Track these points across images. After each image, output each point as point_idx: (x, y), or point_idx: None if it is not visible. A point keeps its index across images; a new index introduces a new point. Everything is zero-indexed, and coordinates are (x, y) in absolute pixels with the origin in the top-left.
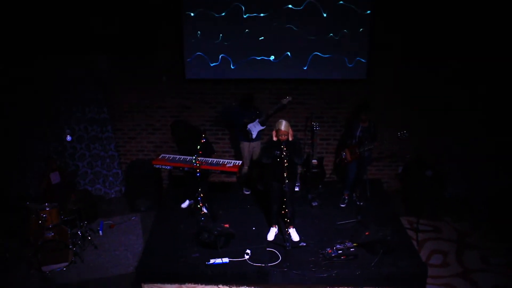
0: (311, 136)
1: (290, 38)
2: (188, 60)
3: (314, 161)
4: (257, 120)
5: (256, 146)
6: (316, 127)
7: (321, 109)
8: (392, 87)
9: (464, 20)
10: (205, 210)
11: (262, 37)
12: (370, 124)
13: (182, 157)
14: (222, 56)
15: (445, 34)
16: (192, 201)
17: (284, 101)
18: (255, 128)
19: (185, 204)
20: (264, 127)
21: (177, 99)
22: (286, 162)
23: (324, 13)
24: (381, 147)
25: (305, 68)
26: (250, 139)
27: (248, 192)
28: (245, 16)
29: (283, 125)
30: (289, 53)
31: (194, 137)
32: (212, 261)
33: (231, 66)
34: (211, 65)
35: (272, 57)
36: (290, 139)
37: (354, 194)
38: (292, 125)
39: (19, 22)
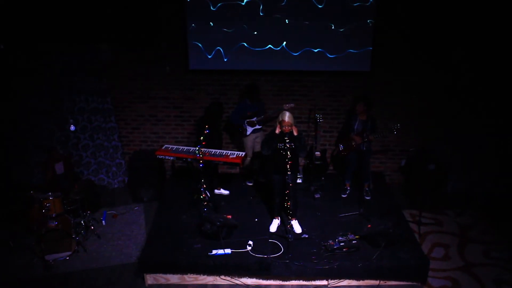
0: (314, 128)
1: (294, 30)
2: (191, 51)
3: (317, 153)
4: (255, 118)
5: (259, 137)
6: (319, 119)
7: (324, 101)
8: (395, 79)
9: (469, 11)
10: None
11: (265, 28)
12: (368, 117)
13: (185, 147)
14: (225, 48)
15: (451, 26)
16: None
17: (286, 106)
18: (251, 127)
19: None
20: (261, 127)
21: (180, 90)
22: (289, 154)
23: (329, 5)
24: (381, 139)
25: (309, 60)
26: (244, 135)
27: (250, 183)
28: (246, 6)
29: (287, 116)
30: (292, 45)
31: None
32: (214, 252)
33: (235, 57)
34: (209, 56)
35: (275, 48)
36: (295, 133)
37: (366, 188)
38: (295, 117)
39: (21, 10)
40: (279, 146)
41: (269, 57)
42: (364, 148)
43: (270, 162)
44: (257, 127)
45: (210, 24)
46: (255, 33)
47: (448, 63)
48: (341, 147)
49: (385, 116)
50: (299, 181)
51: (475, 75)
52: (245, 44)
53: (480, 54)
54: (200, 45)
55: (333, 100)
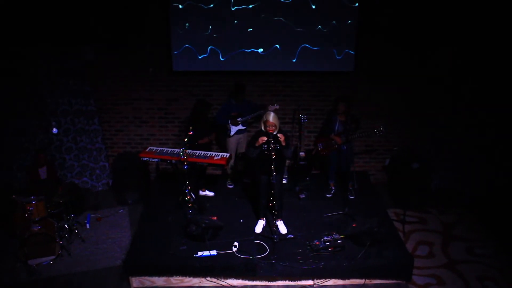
0: (298, 128)
1: (279, 30)
2: (175, 52)
3: (302, 153)
4: (239, 118)
5: (242, 138)
6: (303, 119)
7: (309, 101)
8: (379, 79)
9: (455, 7)
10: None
11: (251, 29)
12: (348, 118)
13: (170, 149)
14: (210, 49)
15: (435, 25)
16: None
17: (271, 108)
18: (235, 126)
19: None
20: (245, 127)
21: (164, 91)
22: (274, 155)
23: (313, 5)
24: (365, 139)
25: (294, 60)
26: (228, 135)
27: (231, 186)
28: (233, 9)
29: (271, 117)
30: (277, 46)
31: (206, 126)
32: (200, 253)
33: (220, 58)
34: (199, 57)
35: (260, 50)
36: (283, 143)
37: (350, 188)
38: (279, 117)
39: (3, 11)
40: (264, 147)
41: (255, 58)
42: (345, 148)
43: (255, 162)
44: (241, 127)
45: (196, 26)
46: (241, 34)
47: (433, 61)
48: (320, 146)
49: (369, 116)
50: (284, 181)
51: (461, 74)
52: (231, 45)
53: (466, 52)
54: (184, 46)
55: (317, 100)
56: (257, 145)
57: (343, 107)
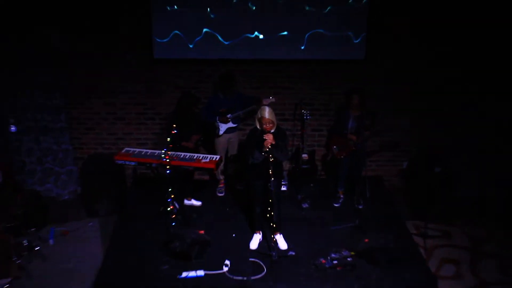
0: (300, 126)
1: (277, 13)
2: (158, 39)
3: (305, 155)
4: (229, 115)
5: (233, 138)
6: (306, 116)
7: (312, 94)
8: (394, 70)
9: None
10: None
11: (244, 13)
12: (363, 112)
13: (149, 151)
14: (199, 35)
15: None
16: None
17: (266, 101)
18: (224, 124)
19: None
20: (236, 125)
21: (144, 83)
22: (272, 157)
23: None
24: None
25: (293, 47)
26: (216, 135)
27: (222, 194)
28: None
29: (267, 112)
30: (274, 30)
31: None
32: (184, 274)
33: (211, 44)
34: (188, 44)
35: (257, 35)
36: (270, 141)
37: (355, 197)
38: (277, 113)
39: None
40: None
41: (248, 44)
42: (357, 149)
43: (250, 166)
44: (232, 125)
45: (179, 8)
46: (231, 17)
47: (457, 49)
48: (335, 149)
49: (383, 113)
50: (283, 188)
51: (488, 70)
52: (220, 29)
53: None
54: (168, 30)
55: (322, 93)
56: (265, 147)
57: (357, 100)
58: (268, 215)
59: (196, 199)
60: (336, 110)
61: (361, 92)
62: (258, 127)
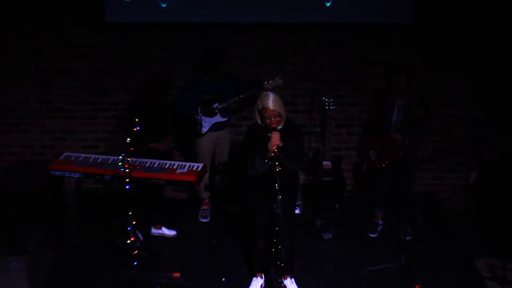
0: (320, 121)
1: None
2: None
3: (327, 162)
4: (217, 104)
5: (223, 138)
6: (329, 106)
7: (337, 75)
8: (458, 37)
9: None
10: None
11: None
12: (413, 99)
13: (101, 157)
14: None
15: None
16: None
17: (269, 84)
18: (209, 118)
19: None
20: (226, 119)
21: (91, 58)
22: (279, 166)
23: None
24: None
25: (309, 7)
26: (198, 133)
27: (206, 219)
28: None
29: (271, 101)
30: None
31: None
32: None
33: (189, 3)
34: (162, 4)
35: None
36: (276, 142)
37: (400, 224)
38: (287, 102)
39: None
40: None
41: (245, 3)
42: (405, 153)
43: (248, 179)
44: (220, 119)
45: None
46: None
47: None
48: (372, 154)
49: (441, 100)
50: (297, 211)
51: None
52: None
53: None
54: None
55: (352, 72)
56: (270, 151)
57: (404, 82)
58: (274, 250)
59: (169, 227)
60: (373, 98)
61: (409, 70)
62: (259, 122)
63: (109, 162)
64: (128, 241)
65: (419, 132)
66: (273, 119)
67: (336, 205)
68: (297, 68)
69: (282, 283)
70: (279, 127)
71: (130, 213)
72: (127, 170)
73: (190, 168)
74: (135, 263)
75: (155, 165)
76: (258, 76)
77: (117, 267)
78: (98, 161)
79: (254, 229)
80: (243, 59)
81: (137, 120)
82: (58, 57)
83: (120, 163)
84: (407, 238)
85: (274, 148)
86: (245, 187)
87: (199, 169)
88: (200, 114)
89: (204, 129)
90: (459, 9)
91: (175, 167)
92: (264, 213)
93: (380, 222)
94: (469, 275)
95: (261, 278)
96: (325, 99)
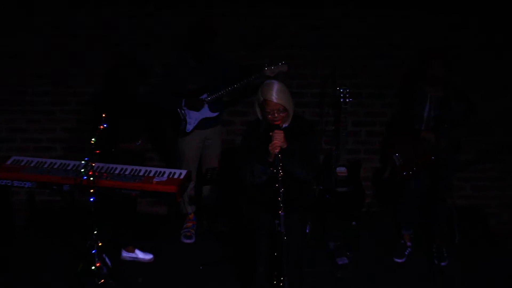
0: (334, 116)
1: None
2: None
3: (342, 169)
4: (206, 95)
5: (212, 139)
6: (344, 98)
7: (356, 59)
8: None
9: None
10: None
11: None
12: (449, 90)
13: (58, 161)
14: None
15: None
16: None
17: (270, 70)
18: (194, 113)
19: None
20: (216, 114)
21: (45, 37)
22: (281, 173)
23: None
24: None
25: None
26: (181, 132)
27: (190, 240)
28: None
29: (275, 92)
30: None
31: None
32: None
33: None
34: None
35: None
36: (278, 143)
37: (434, 246)
38: (292, 93)
39: None
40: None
41: None
42: (440, 158)
43: (247, 189)
44: (209, 114)
45: None
46: None
47: None
48: (397, 159)
49: (485, 93)
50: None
51: None
52: None
53: None
54: None
55: (374, 56)
56: (272, 154)
57: (441, 68)
58: (276, 278)
59: (144, 250)
60: (400, 89)
61: (446, 56)
62: (259, 117)
63: (68, 168)
64: (93, 268)
65: (458, 132)
66: (276, 114)
67: (354, 223)
68: (305, 50)
69: None
70: (284, 125)
71: (95, 232)
72: (91, 179)
73: (170, 176)
74: None
75: (127, 172)
76: (257, 61)
77: None
78: (55, 166)
79: (255, 253)
80: (238, 38)
81: (104, 115)
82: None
83: (82, 170)
84: (443, 263)
85: (277, 150)
86: (241, 200)
87: (181, 177)
88: (185, 108)
89: (189, 127)
90: None
91: (152, 174)
92: (265, 232)
93: (408, 243)
94: None
95: None
96: (340, 89)
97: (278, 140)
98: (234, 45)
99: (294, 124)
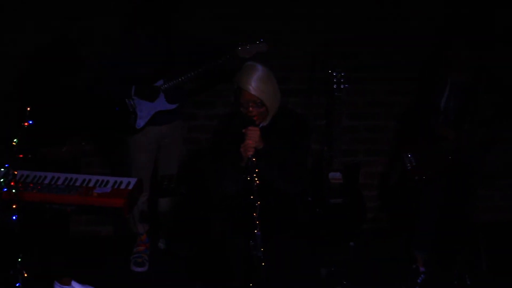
0: (326, 108)
1: None
2: None
3: (335, 175)
4: (161, 81)
5: (170, 137)
6: (338, 84)
7: (354, 32)
8: None
9: None
10: None
11: None
12: (480, 76)
13: None
14: None
15: None
16: None
17: (245, 50)
18: (147, 104)
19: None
20: (175, 106)
21: None
22: (258, 180)
23: None
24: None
25: None
26: (131, 129)
27: (142, 268)
28: None
29: (253, 80)
30: None
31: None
32: None
33: None
34: None
35: None
36: (253, 143)
37: (454, 272)
38: (279, 77)
39: None
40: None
41: None
42: (462, 159)
43: (214, 200)
44: (166, 106)
45: None
46: None
47: None
48: (409, 160)
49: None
50: None
51: None
52: None
53: None
54: None
55: (379, 28)
56: (244, 156)
57: (466, 47)
58: None
59: (82, 282)
60: (421, 72)
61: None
62: (237, 111)
63: None
64: None
65: (487, 130)
66: (250, 108)
67: (351, 243)
68: (290, 23)
69: None
70: (262, 124)
71: (19, 259)
72: (13, 191)
73: (116, 186)
74: None
75: (60, 182)
76: (230, 38)
77: None
78: None
79: (224, 283)
80: (205, 9)
81: (28, 109)
82: None
83: (2, 180)
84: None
85: (250, 153)
86: (208, 216)
87: (130, 187)
88: (135, 98)
89: (140, 122)
90: None
91: (92, 184)
92: (239, 257)
93: (422, 269)
94: None
95: None
96: (332, 72)
97: (252, 139)
98: (201, 16)
99: (279, 119)
